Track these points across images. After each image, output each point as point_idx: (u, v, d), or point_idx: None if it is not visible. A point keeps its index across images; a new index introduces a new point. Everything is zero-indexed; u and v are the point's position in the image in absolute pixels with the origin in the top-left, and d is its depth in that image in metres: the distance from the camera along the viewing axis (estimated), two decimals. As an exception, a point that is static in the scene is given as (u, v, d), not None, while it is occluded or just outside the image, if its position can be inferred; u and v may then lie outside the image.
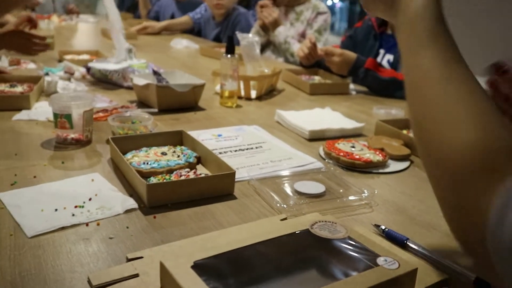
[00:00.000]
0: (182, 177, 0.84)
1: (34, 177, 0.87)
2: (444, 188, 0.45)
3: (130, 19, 4.04)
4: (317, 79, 1.83)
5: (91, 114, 1.06)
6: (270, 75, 1.60)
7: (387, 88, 1.66)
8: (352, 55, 1.73)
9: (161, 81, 1.42)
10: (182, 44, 2.69)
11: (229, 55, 1.40)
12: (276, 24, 2.40)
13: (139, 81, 1.35)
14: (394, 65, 1.79)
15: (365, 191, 0.85)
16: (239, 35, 1.64)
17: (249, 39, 1.64)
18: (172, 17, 3.67)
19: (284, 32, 2.39)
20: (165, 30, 3.29)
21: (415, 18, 0.53)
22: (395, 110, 1.48)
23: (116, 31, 1.69)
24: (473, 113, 0.44)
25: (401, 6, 0.56)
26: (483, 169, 0.40)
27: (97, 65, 1.60)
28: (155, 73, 1.45)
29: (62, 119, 1.02)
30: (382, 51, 1.87)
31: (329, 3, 16.20)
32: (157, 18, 3.81)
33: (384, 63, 1.82)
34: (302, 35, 2.40)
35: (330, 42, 2.49)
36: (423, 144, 0.48)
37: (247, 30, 2.60)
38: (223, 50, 2.35)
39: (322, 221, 0.66)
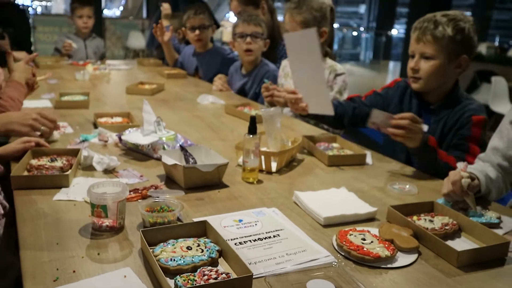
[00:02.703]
0: (205, 277, 0.93)
1: (74, 271, 0.97)
2: None
3: (160, 67, 4.22)
4: (335, 146, 1.91)
5: (124, 203, 1.17)
6: (290, 149, 1.70)
7: (439, 170, 1.61)
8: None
9: (187, 158, 1.53)
10: (208, 100, 2.81)
11: (251, 135, 1.50)
12: None
13: (168, 160, 1.47)
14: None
15: (372, 292, 0.92)
16: (262, 110, 1.75)
17: (271, 112, 1.74)
18: (197, 69, 3.82)
19: None
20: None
21: None
22: (409, 185, 1.55)
23: (145, 105, 1.83)
24: None
25: None
26: None
27: (128, 137, 1.72)
28: (182, 149, 1.57)
29: (98, 209, 1.13)
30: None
31: (355, 33, 16.50)
32: (183, 68, 3.98)
33: None
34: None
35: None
36: None
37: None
38: (246, 109, 2.49)
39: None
